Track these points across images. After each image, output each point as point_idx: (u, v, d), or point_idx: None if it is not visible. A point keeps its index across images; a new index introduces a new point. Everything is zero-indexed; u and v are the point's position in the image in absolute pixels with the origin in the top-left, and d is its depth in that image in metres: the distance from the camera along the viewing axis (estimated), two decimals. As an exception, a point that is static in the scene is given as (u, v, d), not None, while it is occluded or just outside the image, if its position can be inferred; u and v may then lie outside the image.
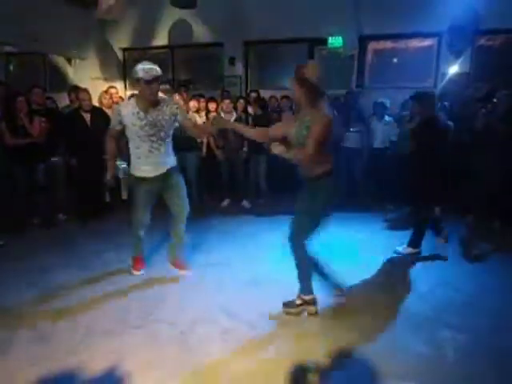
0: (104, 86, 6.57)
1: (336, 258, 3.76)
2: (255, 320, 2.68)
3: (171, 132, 3.06)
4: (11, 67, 8.33)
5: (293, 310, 2.72)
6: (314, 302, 2.72)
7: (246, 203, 5.59)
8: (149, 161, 2.99)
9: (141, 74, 2.79)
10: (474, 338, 2.50)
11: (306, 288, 2.69)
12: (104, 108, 5.31)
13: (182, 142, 5.04)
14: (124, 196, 5.57)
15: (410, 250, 3.85)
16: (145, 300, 2.97)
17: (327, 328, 2.61)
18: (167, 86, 7.34)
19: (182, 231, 3.29)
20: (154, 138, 2.94)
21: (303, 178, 2.61)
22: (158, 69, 2.85)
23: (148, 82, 2.79)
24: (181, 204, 3.16)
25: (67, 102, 5.60)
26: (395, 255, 3.85)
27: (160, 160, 3.02)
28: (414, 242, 3.85)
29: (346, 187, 5.83)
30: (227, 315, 2.75)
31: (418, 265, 3.67)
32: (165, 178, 3.07)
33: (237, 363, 2.27)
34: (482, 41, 6.12)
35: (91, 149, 4.83)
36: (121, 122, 2.96)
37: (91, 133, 4.82)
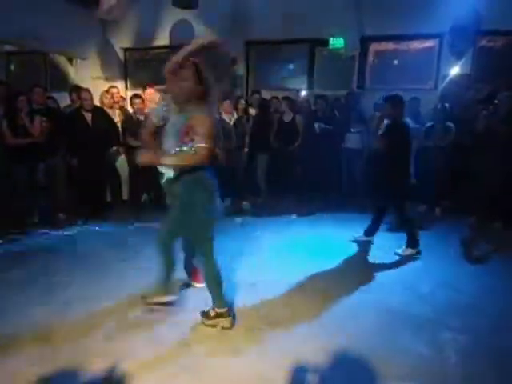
0: (105, 85, 6.56)
1: (333, 258, 3.79)
2: (254, 321, 2.68)
3: None
4: (12, 66, 8.32)
5: (209, 322, 2.61)
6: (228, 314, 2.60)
7: (245, 204, 5.59)
8: None
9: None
10: (475, 338, 2.50)
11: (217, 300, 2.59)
12: (105, 108, 5.31)
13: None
14: (124, 196, 5.59)
15: (410, 251, 3.85)
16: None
17: (325, 328, 2.61)
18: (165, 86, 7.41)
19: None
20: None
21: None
22: None
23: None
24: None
25: (68, 101, 5.60)
26: (396, 256, 3.85)
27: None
28: (412, 243, 3.86)
29: (347, 188, 5.88)
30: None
31: (419, 266, 3.67)
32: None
33: (234, 365, 2.26)
34: (483, 42, 6.12)
35: (92, 148, 4.84)
36: (164, 118, 2.87)
37: (92, 132, 4.83)
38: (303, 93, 6.84)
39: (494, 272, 3.52)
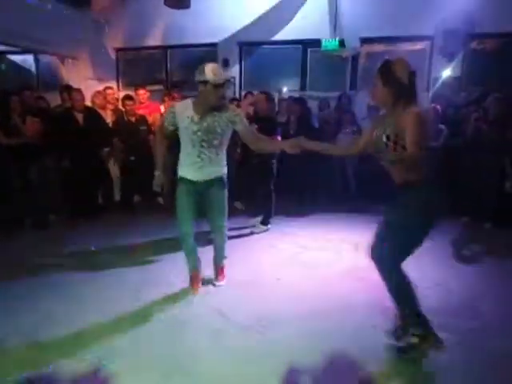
0: (97, 86, 6.53)
1: (324, 259, 3.81)
2: (250, 322, 2.67)
3: (227, 141, 2.87)
4: (3, 66, 8.23)
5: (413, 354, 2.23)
6: (429, 337, 2.20)
7: (238, 204, 5.58)
8: (195, 166, 2.81)
9: (209, 77, 2.58)
10: (467, 339, 2.51)
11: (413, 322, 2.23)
12: (97, 108, 5.28)
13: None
14: (117, 197, 5.56)
15: (264, 228, 4.46)
16: (137, 301, 2.95)
17: (320, 329, 2.61)
18: (160, 87, 7.39)
19: (219, 242, 3.10)
20: (205, 145, 2.76)
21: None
22: (226, 72, 2.76)
23: (216, 86, 2.61)
24: (215, 218, 2.98)
25: (59, 101, 5.55)
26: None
27: (207, 167, 2.82)
28: (266, 220, 4.48)
29: (339, 188, 5.89)
30: (221, 316, 2.74)
31: (410, 266, 3.67)
32: (207, 186, 2.86)
33: (229, 364, 2.26)
34: (474, 44, 6.19)
35: (84, 149, 4.80)
36: (174, 124, 2.78)
37: (84, 133, 4.79)
38: (284, 90, 6.88)
39: (485, 272, 3.55)
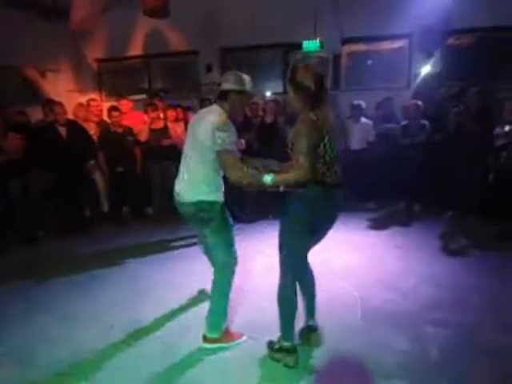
0: (79, 98, 6.48)
1: (311, 261, 3.80)
2: (238, 329, 2.65)
3: None
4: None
5: (274, 355, 2.35)
6: (292, 350, 2.30)
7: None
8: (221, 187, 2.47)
9: (248, 87, 2.41)
10: (458, 334, 2.54)
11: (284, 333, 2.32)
12: (79, 121, 5.24)
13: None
14: (104, 209, 5.51)
15: None
16: (130, 315, 2.92)
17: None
18: (144, 96, 7.36)
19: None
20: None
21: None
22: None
23: (250, 96, 2.50)
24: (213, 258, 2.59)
25: (41, 115, 5.49)
26: (376, 253, 3.90)
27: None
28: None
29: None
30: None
31: (400, 263, 3.72)
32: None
33: (225, 376, 2.25)
34: (451, 40, 6.29)
35: (68, 163, 4.76)
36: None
37: (68, 146, 4.75)
38: (268, 94, 6.95)
39: (473, 267, 3.59)
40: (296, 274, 2.31)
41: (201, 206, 2.37)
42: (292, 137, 2.11)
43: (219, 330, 2.49)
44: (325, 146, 2.08)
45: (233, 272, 2.53)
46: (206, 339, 2.50)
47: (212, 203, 2.40)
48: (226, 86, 2.37)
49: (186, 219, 2.50)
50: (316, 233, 2.27)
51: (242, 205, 5.13)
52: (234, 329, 2.64)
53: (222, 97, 2.39)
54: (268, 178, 2.10)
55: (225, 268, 2.49)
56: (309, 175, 2.02)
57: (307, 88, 2.09)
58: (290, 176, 2.06)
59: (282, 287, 2.31)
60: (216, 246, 2.48)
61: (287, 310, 2.30)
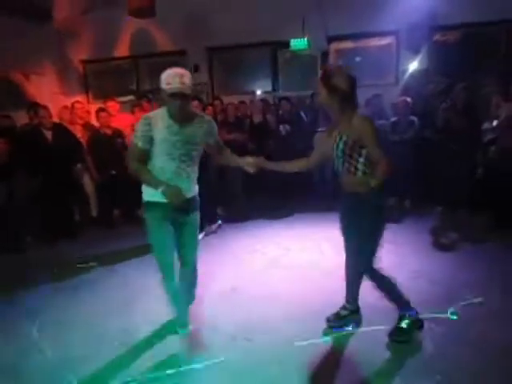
0: (64, 100, 6.38)
1: (308, 260, 3.81)
2: (233, 330, 2.64)
3: (201, 153, 2.51)
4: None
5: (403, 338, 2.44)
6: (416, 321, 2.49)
7: (219, 210, 5.54)
8: (172, 183, 2.33)
9: (163, 85, 2.23)
10: (451, 329, 2.55)
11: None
12: (65, 123, 5.15)
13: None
14: (93, 213, 5.43)
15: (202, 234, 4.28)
16: (120, 315, 2.87)
17: (306, 330, 2.60)
18: (132, 98, 7.28)
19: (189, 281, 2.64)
20: (184, 158, 2.37)
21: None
22: (183, 80, 2.21)
23: (172, 96, 2.23)
24: (190, 250, 2.57)
25: (26, 119, 5.39)
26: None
27: (185, 184, 2.39)
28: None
29: (319, 187, 5.92)
30: (208, 327, 2.69)
31: (391, 259, 3.71)
32: (184, 207, 2.39)
33: (221, 377, 2.22)
34: (438, 36, 6.34)
35: (55, 167, 4.67)
36: (152, 139, 2.30)
37: (54, 150, 4.67)
38: (258, 92, 6.94)
39: (464, 261, 3.60)
40: (370, 264, 2.40)
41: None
42: (357, 134, 2.18)
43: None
44: None
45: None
46: None
47: (145, 203, 2.45)
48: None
49: None
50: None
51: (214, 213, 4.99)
52: (227, 329, 2.62)
53: None
54: (374, 182, 2.15)
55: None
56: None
57: (342, 90, 2.19)
58: (381, 172, 2.13)
59: (376, 272, 2.43)
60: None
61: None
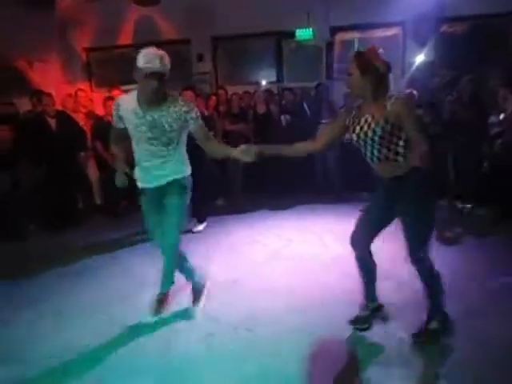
0: (67, 88, 6.35)
1: (310, 251, 3.81)
2: (235, 321, 2.64)
3: (181, 138, 2.47)
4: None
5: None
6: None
7: (220, 201, 5.54)
8: (144, 168, 2.47)
9: (140, 64, 2.22)
10: (454, 321, 2.53)
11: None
12: (69, 111, 5.13)
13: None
14: (97, 201, 5.43)
15: (201, 226, 4.44)
16: (125, 307, 2.89)
17: (308, 322, 2.61)
18: (132, 86, 7.22)
19: (166, 263, 2.67)
20: (154, 142, 2.39)
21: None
22: (163, 61, 2.23)
23: (147, 76, 2.22)
24: (166, 231, 2.54)
25: (29, 106, 5.37)
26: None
27: (157, 170, 2.45)
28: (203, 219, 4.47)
29: (321, 179, 5.90)
30: (209, 318, 2.70)
31: (395, 250, 3.70)
32: (162, 192, 2.50)
33: (223, 365, 2.24)
34: (445, 28, 6.25)
35: (59, 155, 4.67)
36: (121, 119, 2.43)
37: (58, 138, 4.66)
38: (263, 83, 6.89)
39: (468, 254, 3.58)
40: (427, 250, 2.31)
41: None
42: (395, 117, 2.02)
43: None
44: None
45: None
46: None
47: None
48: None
49: None
50: None
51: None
52: (228, 320, 2.64)
53: None
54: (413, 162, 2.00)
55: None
56: None
57: (378, 72, 2.07)
58: (418, 156, 1.94)
59: (428, 261, 2.34)
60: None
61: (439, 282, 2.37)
